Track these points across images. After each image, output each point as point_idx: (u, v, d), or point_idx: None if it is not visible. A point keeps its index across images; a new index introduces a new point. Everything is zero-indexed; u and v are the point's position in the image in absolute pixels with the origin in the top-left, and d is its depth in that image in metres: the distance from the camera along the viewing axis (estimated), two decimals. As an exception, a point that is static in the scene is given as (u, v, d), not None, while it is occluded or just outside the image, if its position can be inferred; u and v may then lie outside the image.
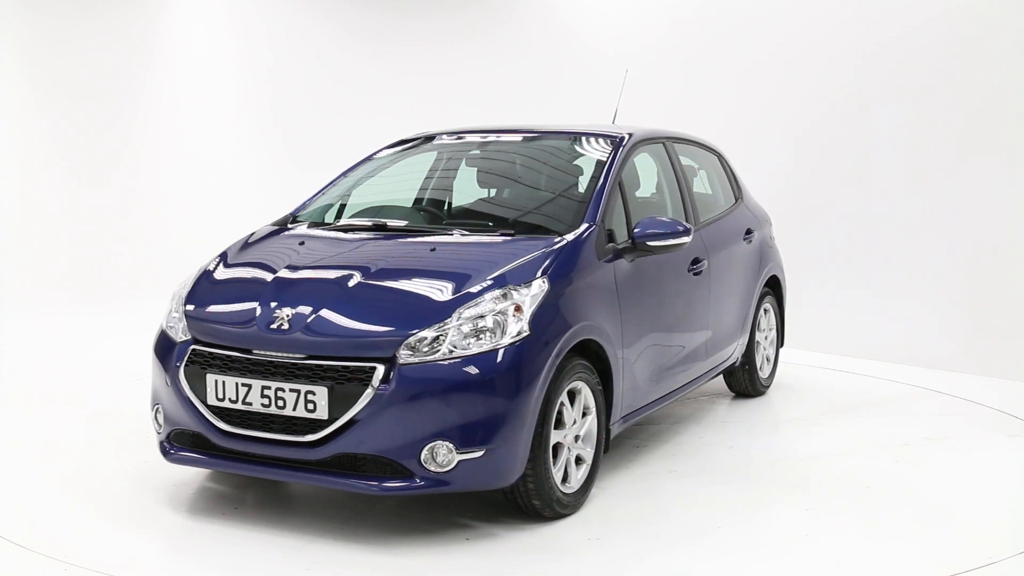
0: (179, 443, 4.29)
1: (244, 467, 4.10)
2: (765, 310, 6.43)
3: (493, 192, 5.38)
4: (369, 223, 4.93)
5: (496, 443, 3.87)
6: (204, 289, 4.50)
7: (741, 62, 8.60)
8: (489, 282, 4.10)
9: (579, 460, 4.38)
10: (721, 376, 6.24)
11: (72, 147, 10.72)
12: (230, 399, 4.04)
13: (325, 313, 4.06)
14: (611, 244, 4.63)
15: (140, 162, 11.12)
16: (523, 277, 4.15)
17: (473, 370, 3.86)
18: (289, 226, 5.06)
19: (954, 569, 3.85)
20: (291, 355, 3.97)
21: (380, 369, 3.85)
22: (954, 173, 7.43)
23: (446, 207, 5.35)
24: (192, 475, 4.83)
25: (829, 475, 4.91)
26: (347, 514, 4.32)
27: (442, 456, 3.84)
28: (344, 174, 5.56)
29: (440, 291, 4.09)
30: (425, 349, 3.89)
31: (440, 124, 8.13)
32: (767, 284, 6.42)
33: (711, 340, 5.57)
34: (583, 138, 5.31)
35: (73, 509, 4.46)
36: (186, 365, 4.19)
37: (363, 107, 10.85)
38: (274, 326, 4.06)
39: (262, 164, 11.27)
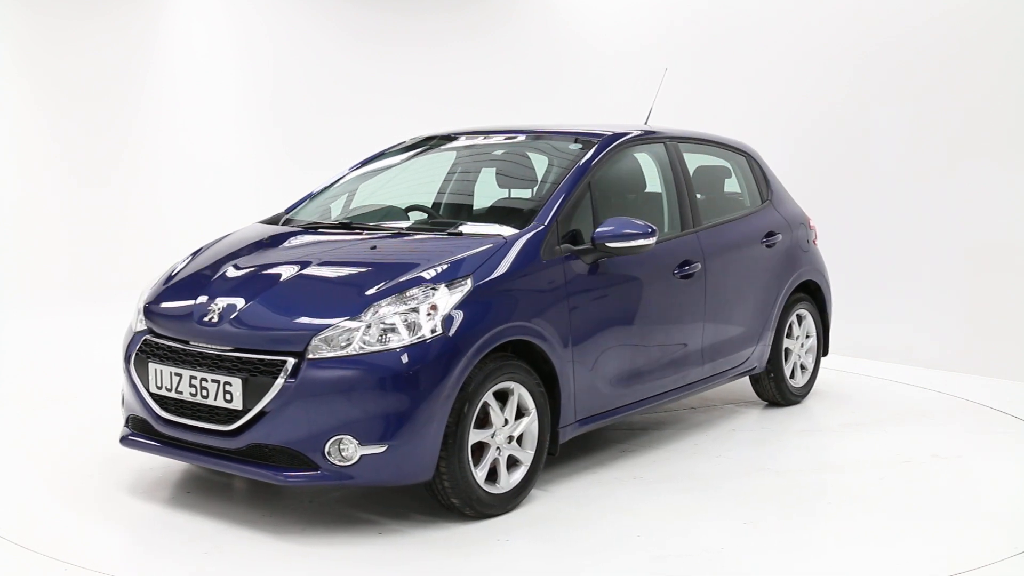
0: (133, 428, 4.53)
1: (178, 453, 4.30)
2: (799, 316, 6.19)
3: (476, 192, 5.47)
4: (336, 222, 5.10)
5: (399, 440, 3.94)
6: (164, 283, 4.73)
7: (741, 62, 8.59)
8: (409, 281, 4.17)
9: (515, 462, 4.39)
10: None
11: (72, 147, 10.72)
12: (166, 387, 4.26)
13: (250, 307, 4.22)
14: (567, 245, 4.61)
15: (140, 162, 11.12)
16: (446, 276, 4.20)
17: (378, 367, 3.94)
18: (278, 224, 5.21)
19: (954, 569, 3.85)
20: (218, 347, 4.15)
21: (290, 363, 3.97)
22: (954, 173, 7.43)
23: (429, 206, 5.44)
24: (193, 476, 4.83)
25: (805, 487, 4.76)
26: (277, 505, 4.34)
27: (345, 450, 3.94)
28: (343, 174, 5.66)
29: (360, 288, 4.18)
30: (335, 344, 3.98)
31: (440, 123, 8.12)
32: (802, 289, 6.21)
33: (711, 345, 5.46)
34: (572, 138, 5.29)
35: (73, 509, 4.46)
36: (136, 353, 4.43)
37: (363, 107, 10.85)
38: (206, 319, 4.25)
39: (262, 164, 11.27)
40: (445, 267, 4.25)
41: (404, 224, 5.07)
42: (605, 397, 4.82)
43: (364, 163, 5.74)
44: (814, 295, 6.35)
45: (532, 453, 4.41)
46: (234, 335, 4.14)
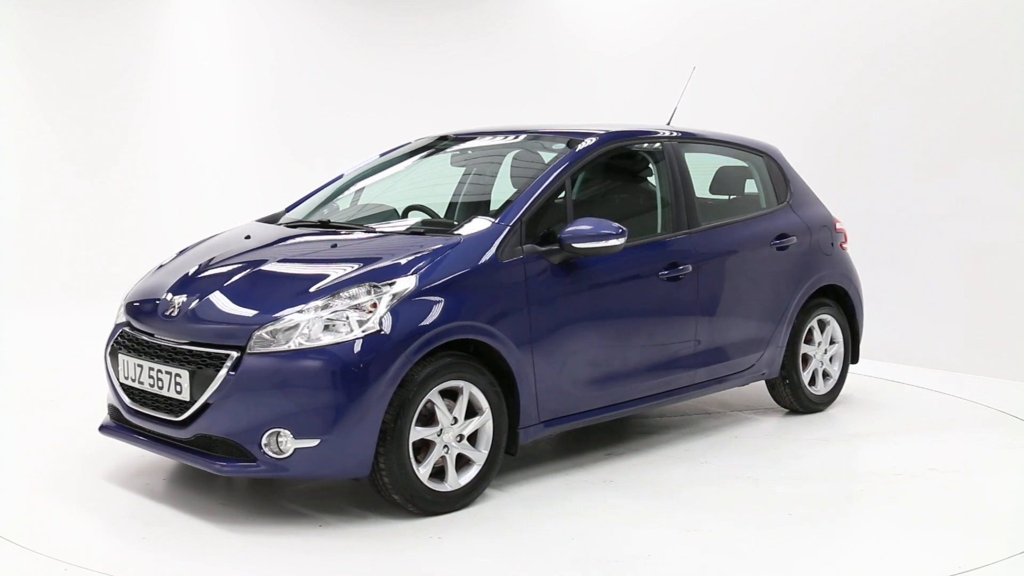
0: (111, 417, 4.74)
1: (143, 442, 4.47)
2: (822, 322, 6.00)
3: (462, 192, 5.54)
4: (316, 220, 5.18)
5: (333, 435, 4.03)
6: (147, 278, 4.94)
7: (740, 62, 8.59)
8: (353, 278, 4.25)
9: (468, 461, 4.40)
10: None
11: (72, 147, 10.71)
12: (131, 378, 4.47)
13: (204, 303, 4.38)
14: (531, 245, 4.60)
15: (140, 161, 11.11)
16: (391, 274, 4.26)
17: (312, 362, 4.04)
18: (273, 223, 5.27)
19: (954, 569, 3.85)
20: (175, 340, 4.32)
21: (233, 356, 4.10)
22: (954, 172, 7.43)
23: (444, 205, 5.47)
24: (193, 475, 4.84)
25: (774, 497, 4.62)
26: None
27: (281, 443, 4.04)
28: (353, 173, 5.71)
29: (306, 285, 4.27)
30: (274, 339, 4.08)
31: (440, 123, 8.11)
32: (826, 294, 6.03)
33: (707, 349, 5.35)
34: (560, 138, 5.24)
35: (73, 509, 4.47)
36: (112, 344, 4.66)
37: (363, 106, 10.84)
38: (167, 313, 4.44)
39: (262, 162, 11.26)
40: (390, 266, 4.32)
41: (378, 224, 5.05)
42: (575, 399, 4.78)
43: (387, 156, 5.74)
44: (842, 301, 6.15)
45: (486, 453, 4.42)
46: (188, 329, 4.31)
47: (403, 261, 4.34)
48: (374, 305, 4.15)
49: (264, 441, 4.05)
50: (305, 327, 4.08)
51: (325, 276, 4.30)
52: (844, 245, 6.22)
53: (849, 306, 6.19)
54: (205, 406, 4.13)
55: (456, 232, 4.58)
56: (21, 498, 4.62)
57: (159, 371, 4.31)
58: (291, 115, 11.11)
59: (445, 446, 4.31)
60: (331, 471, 4.14)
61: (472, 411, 4.40)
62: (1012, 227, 7.14)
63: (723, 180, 5.92)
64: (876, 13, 7.82)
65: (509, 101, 10.14)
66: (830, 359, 6.11)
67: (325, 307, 4.14)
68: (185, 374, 4.18)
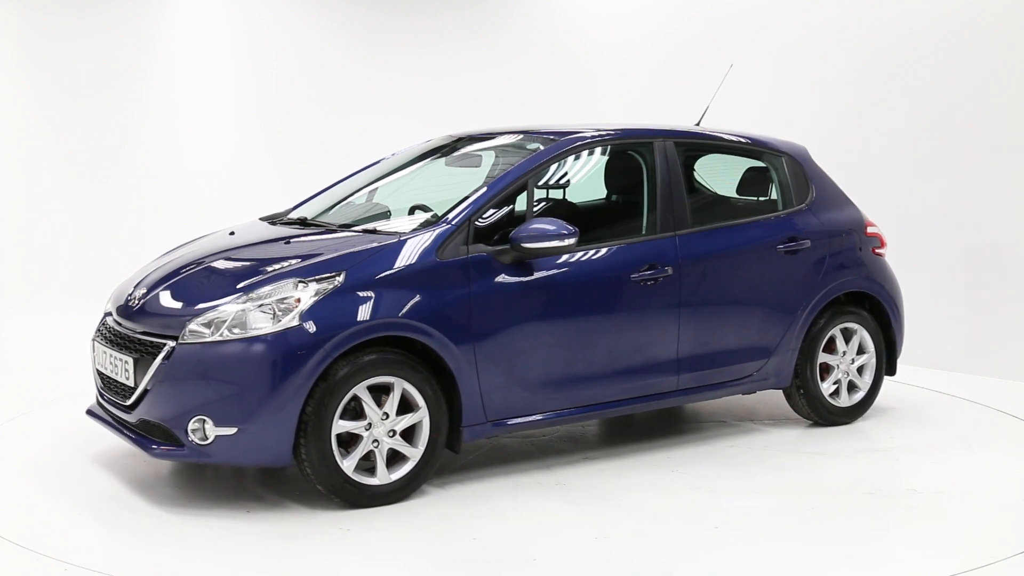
0: (96, 402, 4.95)
1: (111, 426, 4.68)
2: (847, 331, 5.74)
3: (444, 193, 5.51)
4: (296, 218, 5.30)
5: (250, 424, 4.20)
6: (137, 271, 5.15)
7: (740, 62, 8.59)
8: (283, 273, 4.40)
9: (401, 456, 4.47)
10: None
11: (73, 146, 10.70)
12: (100, 364, 4.76)
13: (157, 294, 4.64)
14: (480, 244, 4.62)
15: (141, 161, 11.10)
16: (319, 271, 4.38)
17: (232, 353, 4.22)
18: (274, 222, 5.35)
19: (954, 569, 3.85)
20: (132, 329, 4.57)
21: (169, 345, 4.31)
22: (954, 173, 7.43)
23: (394, 204, 5.49)
24: (193, 476, 4.83)
25: (722, 509, 4.47)
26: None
27: (203, 430, 4.23)
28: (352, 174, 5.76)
29: (243, 279, 4.46)
30: (203, 330, 4.28)
31: (441, 123, 8.11)
32: (854, 302, 5.78)
33: (692, 355, 5.20)
34: (544, 137, 5.22)
35: (73, 509, 4.47)
36: (95, 331, 4.92)
37: (363, 106, 10.83)
38: (130, 304, 4.70)
39: (262, 162, 11.25)
40: (321, 262, 4.44)
41: (357, 223, 5.07)
42: (529, 400, 4.77)
43: (404, 156, 5.74)
44: (874, 309, 5.86)
45: (421, 450, 4.47)
46: (142, 319, 4.57)
47: (335, 258, 4.46)
48: (298, 300, 4.27)
49: (191, 427, 4.23)
50: (231, 319, 4.26)
51: (258, 270, 4.50)
52: (879, 251, 5.93)
53: (883, 315, 5.89)
54: (144, 392, 4.36)
55: (402, 231, 4.66)
56: (21, 498, 4.62)
57: (115, 358, 4.57)
58: (291, 115, 11.09)
59: (375, 440, 4.39)
60: (250, 459, 4.33)
61: (409, 408, 4.48)
62: (1012, 227, 7.14)
63: (743, 182, 5.80)
64: (876, 13, 7.82)
65: (509, 101, 10.14)
66: (858, 370, 5.81)
67: (251, 301, 4.30)
68: (131, 361, 4.44)
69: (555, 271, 4.79)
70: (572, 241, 4.66)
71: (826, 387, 5.69)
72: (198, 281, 4.62)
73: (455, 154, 5.61)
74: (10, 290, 9.92)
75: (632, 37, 9.39)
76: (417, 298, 4.44)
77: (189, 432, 4.24)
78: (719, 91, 6.36)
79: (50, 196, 10.62)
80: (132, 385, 4.43)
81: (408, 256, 4.51)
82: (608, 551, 4.02)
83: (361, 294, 4.35)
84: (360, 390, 4.33)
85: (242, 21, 11.13)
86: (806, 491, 4.75)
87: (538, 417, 4.82)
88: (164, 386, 4.30)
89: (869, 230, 5.93)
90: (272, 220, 5.39)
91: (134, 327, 4.56)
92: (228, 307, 4.30)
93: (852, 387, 5.81)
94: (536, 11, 10.25)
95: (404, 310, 4.41)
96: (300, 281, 4.34)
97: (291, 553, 3.97)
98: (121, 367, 4.52)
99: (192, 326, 4.30)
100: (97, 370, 4.82)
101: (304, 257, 4.53)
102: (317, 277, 4.35)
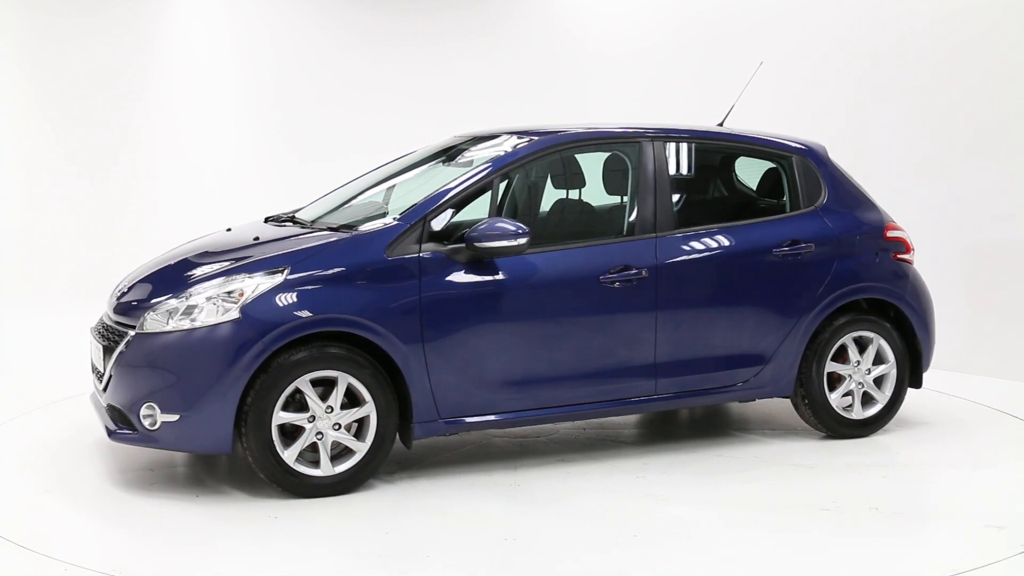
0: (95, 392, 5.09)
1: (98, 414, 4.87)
2: (861, 340, 5.46)
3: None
4: (286, 216, 5.40)
5: (191, 412, 4.38)
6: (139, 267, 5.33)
7: (740, 63, 8.59)
8: (233, 268, 4.57)
9: (348, 450, 4.57)
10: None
11: (72, 147, 10.70)
12: (93, 354, 4.97)
13: (134, 287, 4.88)
14: (432, 243, 4.65)
15: (141, 161, 11.09)
16: (266, 266, 4.53)
17: (176, 343, 4.41)
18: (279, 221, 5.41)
19: (954, 569, 3.84)
20: (113, 319, 4.79)
21: (129, 335, 4.54)
22: (954, 172, 7.43)
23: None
24: (191, 474, 4.83)
25: (663, 518, 4.35)
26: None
27: (151, 416, 4.43)
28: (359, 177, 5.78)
29: (197, 272, 4.66)
30: (158, 321, 4.48)
31: (441, 123, 8.12)
32: (877, 310, 5.53)
33: (673, 360, 5.07)
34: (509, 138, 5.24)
35: (73, 509, 4.48)
36: (95, 325, 5.09)
37: (363, 106, 10.84)
38: (117, 297, 4.93)
39: (262, 163, 11.26)
40: (269, 258, 4.58)
41: (339, 222, 5.09)
42: (486, 399, 4.77)
43: (420, 154, 5.71)
44: (900, 321, 5.55)
45: (368, 444, 4.55)
46: (120, 310, 4.77)
47: (281, 254, 4.59)
48: (241, 293, 4.43)
49: (143, 413, 4.44)
50: (182, 311, 4.44)
51: (214, 265, 4.67)
52: (901, 256, 5.62)
53: (906, 324, 5.57)
54: (110, 378, 4.59)
55: (354, 230, 4.76)
56: (21, 498, 4.62)
57: (96, 347, 4.84)
58: (291, 115, 11.09)
59: (319, 433, 4.48)
60: (193, 446, 4.50)
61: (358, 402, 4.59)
62: (1012, 227, 7.14)
63: (759, 183, 5.69)
64: (876, 14, 7.82)
65: (510, 101, 10.14)
66: (876, 381, 5.52)
67: (200, 294, 4.47)
68: (102, 349, 4.71)
69: (518, 272, 4.78)
70: (523, 241, 4.65)
71: (835, 398, 5.42)
72: (170, 275, 4.81)
73: (463, 155, 5.58)
74: (10, 290, 9.93)
75: (632, 37, 9.39)
76: (361, 294, 4.53)
77: (141, 418, 4.44)
78: (745, 89, 6.22)
79: (50, 196, 10.62)
80: (103, 371, 4.69)
81: (355, 254, 4.60)
82: (504, 553, 3.99)
83: (303, 290, 4.47)
84: (302, 383, 4.45)
85: (242, 21, 11.14)
86: (757, 504, 4.54)
87: (497, 417, 4.82)
88: (121, 373, 4.52)
89: (889, 234, 5.64)
90: (274, 219, 5.40)
91: (115, 317, 4.78)
92: (180, 300, 4.49)
93: (868, 399, 5.52)
94: (536, 11, 10.25)
95: (346, 306, 4.50)
96: (247, 276, 4.48)
97: (206, 531, 4.06)
98: (97, 355, 4.80)
99: (149, 316, 4.50)
100: (91, 361, 5.04)
101: (259, 253, 4.66)
102: (263, 272, 4.49)
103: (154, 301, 4.58)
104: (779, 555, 4.00)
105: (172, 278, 4.76)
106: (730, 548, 4.06)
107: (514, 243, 4.64)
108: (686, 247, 5.12)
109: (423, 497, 4.58)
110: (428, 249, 4.65)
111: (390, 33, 10.82)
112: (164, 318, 4.46)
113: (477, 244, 4.63)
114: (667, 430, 5.78)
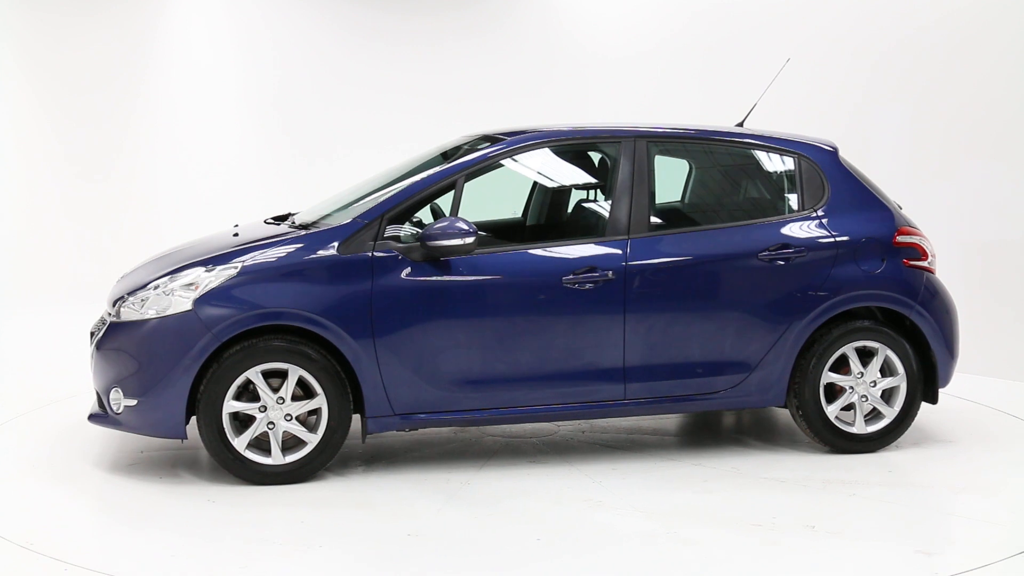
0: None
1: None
2: (865, 350, 5.20)
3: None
4: (285, 213, 5.55)
5: (146, 398, 4.63)
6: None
7: (740, 63, 8.59)
8: (194, 263, 4.76)
9: (298, 440, 4.72)
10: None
11: (73, 146, 10.70)
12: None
13: (124, 280, 5.12)
14: (387, 241, 4.73)
15: (141, 161, 11.10)
16: (223, 260, 4.71)
17: (132, 332, 4.68)
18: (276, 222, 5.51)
19: (954, 569, 3.85)
20: (105, 311, 5.01)
21: (108, 323, 4.81)
22: (954, 172, 7.43)
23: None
24: (190, 474, 4.84)
25: (613, 527, 4.23)
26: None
27: (118, 400, 4.70)
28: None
29: (167, 267, 4.84)
30: (128, 310, 4.73)
31: (441, 122, 8.12)
32: (891, 320, 5.28)
33: (645, 365, 4.95)
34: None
35: (73, 509, 4.48)
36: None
37: (363, 105, 10.84)
38: (112, 289, 5.11)
39: (263, 163, 11.26)
40: (225, 252, 4.77)
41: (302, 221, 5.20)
42: (439, 397, 4.79)
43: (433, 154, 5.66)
44: (912, 332, 5.26)
45: (319, 435, 4.68)
46: (110, 302, 4.97)
47: (237, 249, 4.77)
48: (196, 287, 4.63)
49: (112, 397, 4.72)
50: (149, 301, 4.67)
51: (184, 260, 4.84)
52: (916, 263, 5.28)
53: (920, 337, 5.25)
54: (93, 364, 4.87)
55: (314, 226, 4.91)
56: (21, 498, 4.62)
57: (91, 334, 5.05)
58: (292, 114, 11.10)
59: (270, 423, 4.64)
60: (151, 430, 4.70)
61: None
62: (1012, 227, 7.14)
63: (746, 181, 5.47)
64: (877, 14, 7.83)
65: (509, 100, 10.14)
66: (881, 394, 5.24)
67: (164, 286, 4.68)
68: (91, 337, 4.95)
69: (474, 271, 4.79)
70: (469, 240, 4.68)
71: (832, 410, 5.16)
72: (155, 267, 4.98)
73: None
74: (10, 290, 9.92)
75: (631, 37, 9.40)
76: (312, 290, 4.65)
77: (111, 402, 4.73)
78: (769, 87, 6.12)
79: (50, 196, 10.62)
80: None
81: (308, 250, 4.72)
82: (399, 548, 4.02)
83: (255, 284, 4.64)
84: (253, 374, 4.62)
85: (242, 20, 11.14)
86: (696, 518, 4.36)
87: (454, 415, 4.84)
88: (98, 358, 4.80)
89: (900, 239, 5.27)
90: (274, 220, 5.45)
91: (106, 309, 5.01)
92: (147, 291, 4.72)
93: (876, 413, 5.25)
94: (535, 11, 10.25)
95: (294, 301, 4.63)
96: (206, 270, 4.65)
97: (140, 513, 4.30)
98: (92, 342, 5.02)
99: (124, 306, 4.76)
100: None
101: (224, 248, 4.84)
102: (219, 266, 4.66)
103: (129, 292, 4.79)
104: (686, 571, 3.82)
105: (154, 271, 4.95)
106: (655, 562, 3.89)
107: (462, 242, 4.68)
108: (660, 249, 5.00)
109: (362, 489, 4.66)
110: (382, 247, 4.73)
111: (390, 32, 10.83)
112: (135, 308, 4.70)
113: (429, 243, 4.69)
114: (659, 436, 5.71)
